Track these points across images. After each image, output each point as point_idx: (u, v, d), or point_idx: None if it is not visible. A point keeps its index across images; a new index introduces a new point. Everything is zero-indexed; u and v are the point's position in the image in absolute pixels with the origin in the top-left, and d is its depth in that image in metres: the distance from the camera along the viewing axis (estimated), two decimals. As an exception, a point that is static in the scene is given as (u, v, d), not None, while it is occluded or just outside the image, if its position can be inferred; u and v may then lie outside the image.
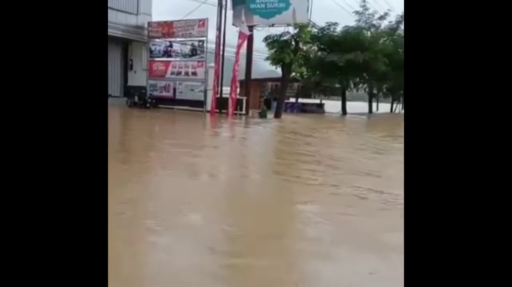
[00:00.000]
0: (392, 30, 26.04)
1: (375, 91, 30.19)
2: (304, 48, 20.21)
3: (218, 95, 17.02)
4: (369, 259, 2.77)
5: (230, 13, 17.46)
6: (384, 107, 33.77)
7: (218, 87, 17.01)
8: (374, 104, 30.87)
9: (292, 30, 17.11)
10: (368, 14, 24.36)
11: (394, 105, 33.66)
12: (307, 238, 3.27)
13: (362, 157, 8.06)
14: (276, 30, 17.32)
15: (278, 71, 18.84)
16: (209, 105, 16.68)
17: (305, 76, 24.72)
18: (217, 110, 16.70)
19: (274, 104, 20.22)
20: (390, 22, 26.03)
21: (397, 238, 2.38)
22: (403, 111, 36.13)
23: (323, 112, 26.07)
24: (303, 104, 26.41)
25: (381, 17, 25.29)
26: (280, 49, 16.89)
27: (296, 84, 25.38)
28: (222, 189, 5.15)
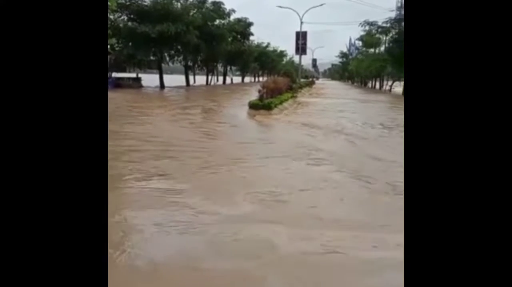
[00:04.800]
0: (200, 2, 26.72)
1: (190, 64, 30.75)
2: (112, 17, 18.66)
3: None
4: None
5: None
6: (200, 80, 34.93)
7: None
8: (191, 77, 31.53)
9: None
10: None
11: (209, 77, 35.22)
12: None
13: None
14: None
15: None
16: None
17: (117, 48, 23.01)
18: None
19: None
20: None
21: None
22: (218, 82, 38.35)
23: (141, 86, 25.01)
24: (118, 79, 24.65)
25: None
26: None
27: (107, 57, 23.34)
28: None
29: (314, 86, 40.22)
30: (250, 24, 35.92)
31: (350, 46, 50.31)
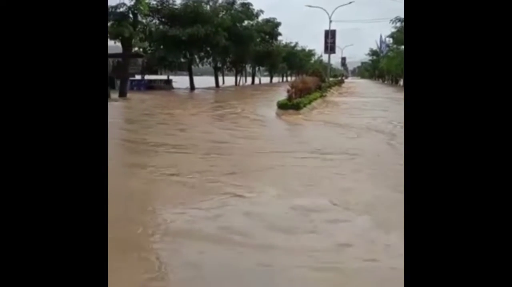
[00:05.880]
0: (229, 4, 27.02)
1: (219, 65, 31.17)
2: (144, 21, 19.26)
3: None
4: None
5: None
6: (229, 81, 35.30)
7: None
8: (220, 78, 31.96)
9: (128, 2, 16.04)
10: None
11: (238, 78, 35.53)
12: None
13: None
14: (110, 2, 15.92)
15: (118, 46, 17.51)
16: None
17: (149, 51, 23.69)
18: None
19: (118, 82, 18.84)
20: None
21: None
22: (247, 83, 38.54)
23: (172, 88, 25.65)
24: (150, 81, 25.39)
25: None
26: (116, 22, 15.67)
27: (140, 60, 24.11)
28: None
29: (343, 85, 39.67)
30: (278, 24, 35.92)
31: (380, 44, 49.18)
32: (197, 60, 26.94)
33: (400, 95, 23.64)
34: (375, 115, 11.83)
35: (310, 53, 56.29)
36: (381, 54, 48.58)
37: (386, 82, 54.94)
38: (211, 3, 25.37)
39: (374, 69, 61.55)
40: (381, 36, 48.31)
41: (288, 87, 13.26)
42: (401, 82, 43.17)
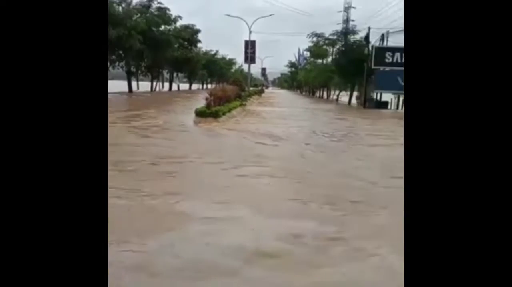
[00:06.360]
0: (144, 7, 25.58)
1: (133, 70, 29.22)
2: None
3: None
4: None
5: None
6: (144, 86, 33.33)
7: None
8: (134, 83, 29.90)
9: None
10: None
11: (154, 84, 33.75)
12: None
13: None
14: None
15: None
16: None
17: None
18: None
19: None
20: (142, -1, 25.45)
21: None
22: (164, 89, 36.92)
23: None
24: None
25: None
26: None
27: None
28: None
29: (263, 94, 40.25)
30: (198, 31, 35.21)
31: (298, 56, 51.30)
32: (108, 63, 24.88)
33: (316, 106, 24.58)
34: (293, 124, 11.76)
35: (231, 62, 56.42)
36: (299, 67, 50.59)
37: (304, 93, 57.35)
38: (123, 5, 23.74)
39: (293, 80, 63.94)
40: (299, 49, 50.47)
41: (207, 95, 12.65)
42: (317, 94, 45.30)
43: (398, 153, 7.46)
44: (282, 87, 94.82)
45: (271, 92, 60.03)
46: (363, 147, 8.28)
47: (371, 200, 4.22)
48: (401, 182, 4.24)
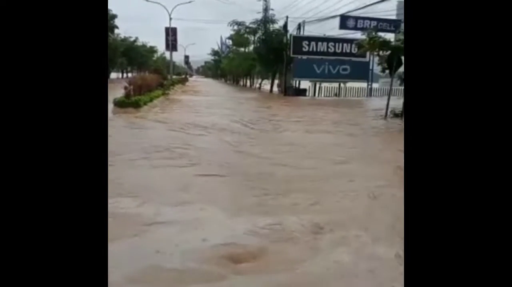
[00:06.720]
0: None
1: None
2: None
3: None
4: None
5: None
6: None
7: None
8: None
9: None
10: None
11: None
12: None
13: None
14: None
15: None
16: None
17: None
18: None
19: None
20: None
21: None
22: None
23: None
24: None
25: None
26: None
27: None
28: None
29: (187, 83, 39.59)
30: (114, 16, 33.25)
31: (221, 45, 51.14)
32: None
33: (240, 94, 24.97)
34: (218, 113, 11.93)
35: (152, 50, 54.20)
36: (222, 55, 50.50)
37: (228, 81, 57.52)
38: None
39: (217, 69, 63.65)
40: (221, 38, 50.30)
41: (126, 84, 12.21)
42: (241, 82, 45.85)
43: (319, 138, 8.12)
44: (207, 76, 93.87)
45: (195, 81, 59.17)
46: (284, 133, 8.79)
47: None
48: (317, 162, 4.74)
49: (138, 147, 6.25)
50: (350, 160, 5.81)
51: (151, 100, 13.18)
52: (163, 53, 45.08)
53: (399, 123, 10.43)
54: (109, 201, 3.54)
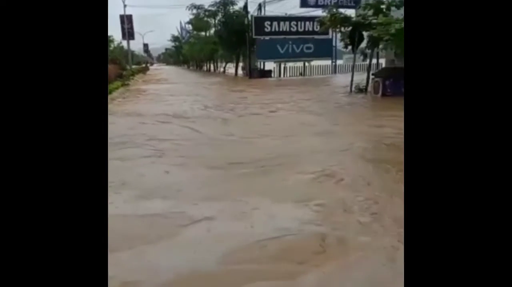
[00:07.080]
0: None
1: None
2: None
3: None
4: None
5: None
6: None
7: None
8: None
9: None
10: None
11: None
12: None
13: None
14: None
15: None
16: None
17: None
18: None
19: None
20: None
21: None
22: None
23: None
24: None
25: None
26: None
27: None
28: None
29: (148, 72, 38.43)
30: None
31: (181, 30, 49.64)
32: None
33: (204, 79, 24.44)
34: (180, 100, 11.54)
35: (108, 39, 52.02)
36: (183, 41, 49.15)
37: (191, 67, 56.28)
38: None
39: (178, 55, 61.99)
40: (181, 23, 48.76)
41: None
42: (205, 67, 44.95)
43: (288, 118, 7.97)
44: (168, 63, 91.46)
45: (156, 69, 57.57)
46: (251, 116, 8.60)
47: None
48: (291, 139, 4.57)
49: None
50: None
51: (109, 93, 12.56)
52: (120, 43, 43.23)
53: (363, 97, 11.24)
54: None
